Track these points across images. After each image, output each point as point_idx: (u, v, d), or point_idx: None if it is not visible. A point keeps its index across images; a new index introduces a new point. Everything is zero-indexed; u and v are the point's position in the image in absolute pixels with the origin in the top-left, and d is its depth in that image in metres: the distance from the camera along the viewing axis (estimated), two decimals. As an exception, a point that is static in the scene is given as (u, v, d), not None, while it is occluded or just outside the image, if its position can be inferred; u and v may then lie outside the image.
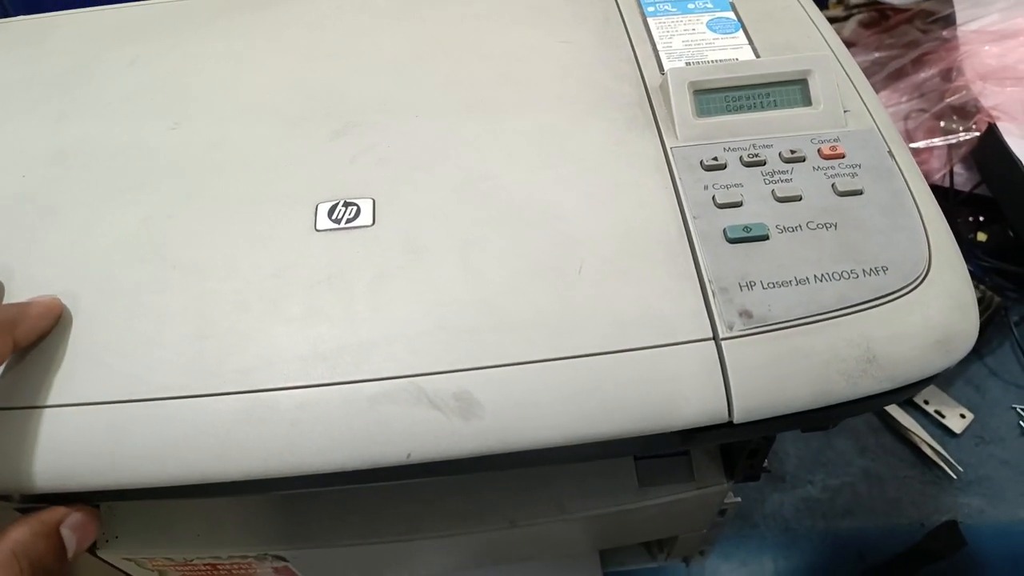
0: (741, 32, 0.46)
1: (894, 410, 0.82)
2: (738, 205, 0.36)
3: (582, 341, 0.32)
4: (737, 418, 0.31)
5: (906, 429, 0.81)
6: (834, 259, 0.34)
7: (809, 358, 0.31)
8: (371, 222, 0.36)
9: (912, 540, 0.73)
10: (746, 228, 0.35)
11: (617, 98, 0.41)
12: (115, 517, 0.49)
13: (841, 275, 0.33)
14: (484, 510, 0.48)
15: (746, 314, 0.32)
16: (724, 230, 0.35)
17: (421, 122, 0.40)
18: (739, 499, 0.54)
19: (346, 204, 0.37)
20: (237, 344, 0.32)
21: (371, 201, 0.37)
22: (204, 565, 0.50)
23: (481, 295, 0.33)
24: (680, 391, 0.31)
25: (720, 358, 0.31)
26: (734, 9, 0.48)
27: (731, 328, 0.32)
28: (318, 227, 0.36)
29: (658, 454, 0.49)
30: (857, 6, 1.16)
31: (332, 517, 0.49)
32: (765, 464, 0.50)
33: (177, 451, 0.30)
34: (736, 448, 0.47)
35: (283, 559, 0.50)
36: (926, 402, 0.83)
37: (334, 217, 0.36)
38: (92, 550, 0.48)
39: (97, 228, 0.36)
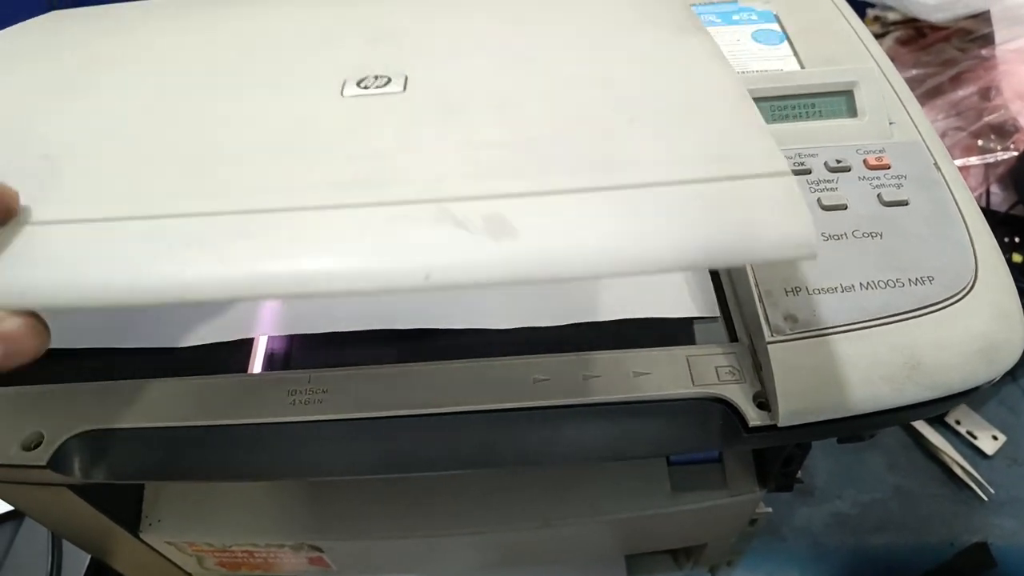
0: (786, 44, 0.47)
1: (925, 429, 0.82)
2: (784, 212, 0.36)
3: (637, 173, 0.27)
4: (782, 421, 0.31)
5: (937, 448, 0.80)
6: (880, 268, 0.34)
7: (854, 363, 0.32)
8: (402, 89, 0.33)
9: (942, 559, 0.72)
10: (792, 234, 0.35)
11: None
12: (159, 501, 0.50)
13: (887, 283, 0.34)
14: (519, 508, 0.49)
15: (791, 318, 0.33)
16: (770, 236, 0.35)
17: (459, 8, 0.38)
18: (770, 509, 0.54)
19: (376, 77, 0.33)
20: (246, 176, 0.29)
21: (403, 76, 0.33)
22: (242, 552, 0.51)
23: (521, 138, 0.30)
24: (758, 219, 0.25)
25: (766, 360, 0.32)
26: (779, 21, 0.49)
27: (777, 332, 0.32)
28: (345, 94, 0.33)
29: (693, 459, 0.50)
30: (894, 23, 1.16)
31: (369, 511, 0.49)
32: (798, 475, 0.51)
33: (172, 259, 0.25)
34: (771, 457, 0.47)
35: (319, 549, 0.51)
36: (958, 422, 0.82)
37: (362, 85, 0.33)
38: (135, 532, 0.50)
39: (126, 101, 0.34)
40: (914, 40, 1.13)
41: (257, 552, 0.52)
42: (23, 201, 0.27)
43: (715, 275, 0.38)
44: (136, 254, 0.26)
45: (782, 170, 0.26)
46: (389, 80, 0.33)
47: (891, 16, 1.16)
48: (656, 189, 0.26)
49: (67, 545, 0.72)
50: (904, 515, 0.76)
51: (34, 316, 0.25)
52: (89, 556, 0.71)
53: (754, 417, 0.32)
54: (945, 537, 0.74)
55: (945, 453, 0.80)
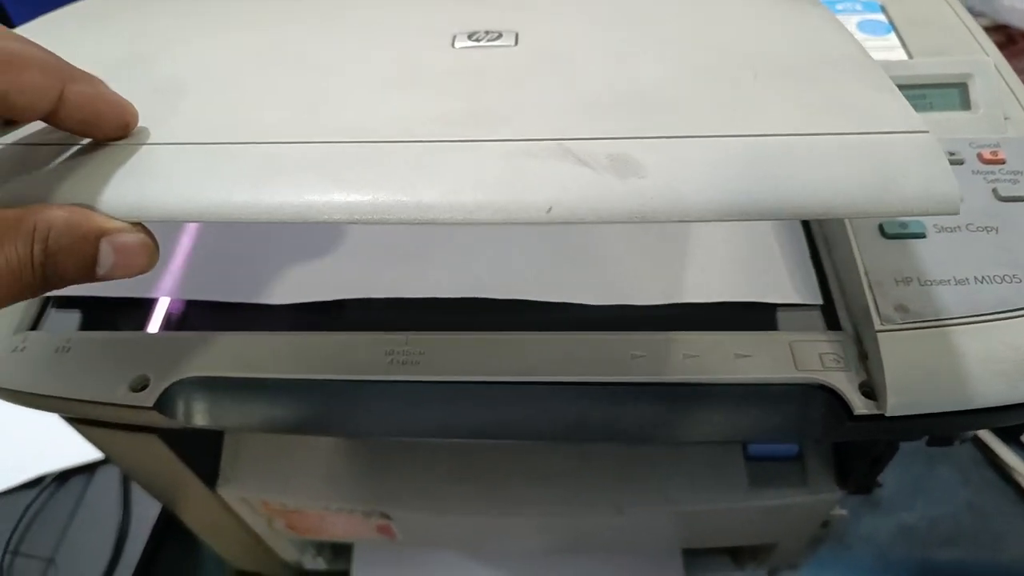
0: (893, 34, 0.45)
1: (998, 447, 0.79)
2: (895, 202, 0.35)
3: (769, 123, 0.26)
4: (890, 411, 0.30)
5: (1010, 467, 0.78)
6: (995, 262, 0.33)
7: (967, 357, 0.31)
8: (514, 43, 0.32)
9: (1013, 578, 0.70)
10: (903, 224, 0.34)
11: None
12: (236, 460, 0.51)
13: (1003, 279, 0.33)
14: (592, 494, 0.49)
15: (902, 308, 0.32)
16: (880, 225, 0.35)
17: None
18: (845, 512, 0.53)
19: (488, 31, 0.33)
20: (354, 109, 0.29)
21: (515, 33, 0.33)
22: (313, 514, 0.52)
23: (642, 88, 0.29)
24: (900, 172, 0.24)
25: (874, 349, 0.31)
26: (884, 12, 0.47)
27: (887, 320, 0.32)
28: (456, 46, 0.33)
29: (771, 455, 0.49)
30: (984, 29, 1.13)
31: (443, 484, 0.50)
32: (879, 478, 0.50)
33: (278, 180, 0.26)
34: (855, 457, 0.46)
35: (388, 517, 0.51)
36: (1033, 441, 0.80)
37: (473, 38, 0.33)
38: (211, 486, 0.51)
39: (239, 47, 0.34)
40: (1004, 46, 1.10)
41: (327, 516, 0.53)
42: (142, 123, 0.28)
43: (817, 263, 0.37)
44: (256, 173, 0.26)
45: (920, 128, 0.25)
46: (500, 35, 0.33)
47: (982, 22, 1.12)
48: (790, 139, 0.25)
49: (136, 499, 0.74)
50: (975, 531, 0.73)
51: (148, 234, 0.26)
52: (158, 511, 0.73)
53: (860, 406, 0.31)
54: (1017, 556, 0.71)
55: (1018, 472, 0.77)
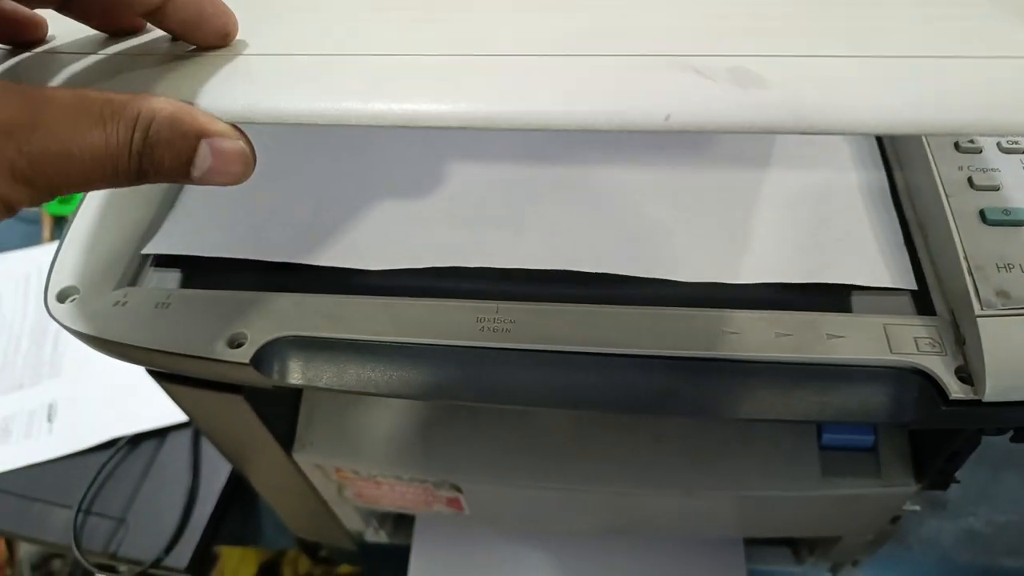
0: None
1: (1072, 455, 0.77)
2: (996, 189, 0.35)
3: (901, 44, 0.26)
4: (988, 396, 0.30)
5: (1083, 476, 0.76)
6: (1100, 252, 0.33)
7: (1070, 345, 0.30)
8: None
9: (1081, 591, 0.68)
10: (1006, 211, 0.34)
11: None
12: (312, 426, 0.52)
13: (1108, 268, 0.32)
14: (663, 475, 0.49)
15: (1003, 294, 0.32)
16: (982, 211, 0.34)
17: None
18: (918, 507, 0.52)
19: None
20: (475, 27, 0.29)
21: None
22: (384, 483, 0.53)
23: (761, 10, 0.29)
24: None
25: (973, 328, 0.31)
26: None
27: (987, 306, 0.31)
28: None
29: (846, 445, 0.48)
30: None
31: (516, 458, 0.50)
32: (956, 474, 0.49)
33: (386, 86, 0.26)
34: (935, 450, 0.45)
35: (458, 490, 0.52)
36: (1108, 452, 0.77)
37: None
38: (287, 451, 0.52)
39: None
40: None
41: (398, 486, 0.54)
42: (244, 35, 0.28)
43: (910, 248, 0.37)
44: (369, 77, 0.26)
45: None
46: None
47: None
48: (918, 60, 0.25)
49: (205, 464, 0.76)
50: (1042, 541, 0.72)
51: (248, 143, 0.26)
52: (225, 477, 0.75)
53: (956, 390, 0.31)
54: (1087, 568, 0.70)
55: (1091, 483, 0.75)
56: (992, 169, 0.36)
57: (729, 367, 0.33)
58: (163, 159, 0.24)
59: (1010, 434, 0.42)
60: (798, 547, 0.68)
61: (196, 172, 0.24)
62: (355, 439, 0.52)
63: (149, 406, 0.77)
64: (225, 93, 0.26)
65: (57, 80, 0.27)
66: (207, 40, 0.27)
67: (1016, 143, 0.37)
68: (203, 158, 0.24)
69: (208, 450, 0.77)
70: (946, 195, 0.35)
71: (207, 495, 0.75)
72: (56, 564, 0.82)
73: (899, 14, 0.28)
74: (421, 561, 0.70)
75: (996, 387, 0.30)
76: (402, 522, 0.73)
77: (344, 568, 1.18)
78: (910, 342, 0.33)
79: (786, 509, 0.51)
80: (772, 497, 0.49)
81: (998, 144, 0.37)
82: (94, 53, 0.28)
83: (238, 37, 0.28)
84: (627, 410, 0.33)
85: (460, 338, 0.34)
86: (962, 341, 0.32)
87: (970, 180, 0.35)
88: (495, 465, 0.50)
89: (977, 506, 0.74)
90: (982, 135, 0.28)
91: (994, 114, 0.24)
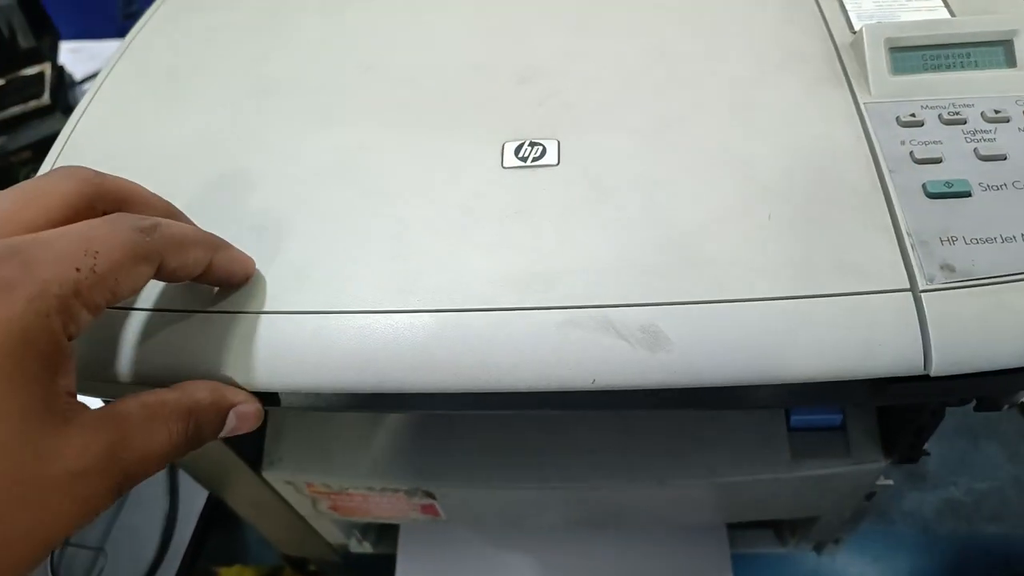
0: (935, -6, 0.45)
1: (1047, 418, 0.78)
2: (938, 161, 0.35)
3: (773, 284, 0.32)
4: (935, 371, 0.30)
5: (1060, 439, 0.76)
6: (1043, 219, 0.32)
7: (1015, 314, 0.30)
8: (556, 162, 0.37)
9: (1063, 553, 0.69)
10: (948, 183, 0.34)
11: (805, 53, 0.41)
12: (281, 442, 0.52)
13: (1051, 235, 0.32)
14: (634, 466, 0.49)
15: (948, 268, 0.31)
16: (924, 185, 0.34)
17: (605, 70, 0.41)
18: (891, 482, 0.52)
19: (532, 144, 0.38)
20: (431, 266, 0.33)
21: (556, 142, 0.37)
22: (357, 495, 0.53)
23: (668, 235, 0.33)
24: (875, 339, 0.30)
25: (919, 309, 0.31)
26: (925, -27, 0.47)
27: (931, 281, 0.31)
28: (505, 164, 0.37)
29: (814, 425, 0.48)
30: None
31: (483, 461, 0.50)
32: (925, 447, 0.49)
33: (376, 361, 0.32)
34: (900, 425, 0.45)
35: (432, 496, 0.52)
36: (1084, 413, 0.78)
37: (520, 155, 0.37)
38: (256, 470, 0.52)
39: (300, 157, 0.39)
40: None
41: (372, 497, 0.53)
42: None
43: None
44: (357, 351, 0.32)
45: (903, 287, 0.31)
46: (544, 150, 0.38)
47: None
48: (787, 304, 0.31)
49: (183, 486, 0.76)
50: (1022, 506, 0.72)
51: (259, 402, 0.32)
52: (204, 497, 0.74)
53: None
54: (1068, 531, 0.70)
55: (1069, 445, 0.76)
56: (934, 142, 0.36)
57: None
58: (206, 434, 0.30)
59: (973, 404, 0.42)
60: (781, 529, 0.68)
61: (223, 432, 0.31)
62: (324, 453, 0.51)
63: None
64: (252, 368, 0.32)
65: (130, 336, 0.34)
66: (233, 286, 0.34)
67: (957, 113, 0.37)
68: (231, 422, 0.31)
69: (185, 474, 0.76)
70: (889, 171, 0.35)
71: (187, 518, 0.74)
72: (38, 598, 0.81)
73: (780, 229, 0.34)
74: (407, 569, 0.70)
75: (943, 361, 0.30)
76: (386, 531, 0.72)
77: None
78: (859, 320, 0.33)
79: (760, 493, 0.51)
80: (745, 482, 0.49)
81: (939, 116, 0.37)
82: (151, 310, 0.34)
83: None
84: (594, 408, 0.33)
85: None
86: (910, 317, 0.32)
87: (912, 154, 0.35)
88: (467, 469, 0.50)
89: (957, 476, 0.74)
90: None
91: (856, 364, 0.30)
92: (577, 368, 0.31)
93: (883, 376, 0.31)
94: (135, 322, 0.34)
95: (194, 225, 0.33)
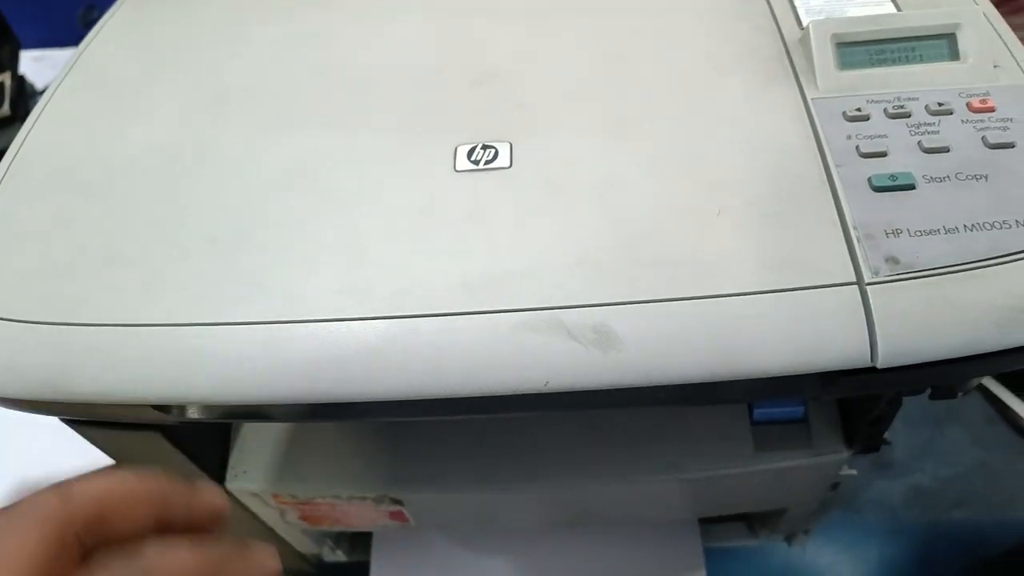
0: (881, -12, 0.45)
1: (1012, 401, 0.79)
2: (883, 155, 0.35)
3: (722, 281, 0.32)
4: (881, 362, 0.30)
5: (1023, 421, 0.77)
6: (985, 210, 0.33)
7: (958, 305, 0.31)
8: (508, 164, 0.37)
9: (1029, 535, 0.70)
10: (892, 177, 0.34)
11: (755, 50, 0.41)
12: (244, 454, 0.51)
13: (993, 225, 0.32)
14: (600, 465, 0.49)
15: (892, 260, 0.32)
16: (869, 178, 0.34)
17: (557, 71, 0.41)
18: (854, 472, 0.53)
19: (484, 147, 0.37)
20: (383, 274, 0.33)
21: (508, 144, 0.37)
22: (324, 504, 0.52)
23: (620, 234, 0.34)
24: (823, 333, 0.31)
25: (865, 302, 0.31)
26: (872, -32, 0.47)
27: (877, 273, 0.32)
28: (457, 168, 0.37)
29: (776, 419, 0.49)
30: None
31: (449, 465, 0.50)
32: (885, 436, 0.49)
33: (328, 370, 0.31)
34: (859, 414, 0.46)
35: (399, 503, 0.51)
36: (1046, 397, 0.79)
37: (473, 158, 0.37)
38: (221, 483, 0.51)
39: (253, 165, 0.38)
40: (1000, 4, 1.09)
41: (339, 505, 0.53)
42: None
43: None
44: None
45: (849, 280, 0.32)
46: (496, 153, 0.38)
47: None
48: (737, 300, 0.31)
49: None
50: (988, 490, 0.73)
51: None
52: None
53: (853, 360, 0.31)
54: (1030, 513, 0.71)
55: (1032, 428, 0.77)
56: (879, 135, 0.36)
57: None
58: None
59: (929, 392, 0.43)
60: (752, 522, 0.68)
61: None
62: (288, 463, 0.51)
63: (82, 449, 0.75)
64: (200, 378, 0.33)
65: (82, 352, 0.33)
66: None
67: (902, 107, 0.37)
68: None
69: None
70: (835, 165, 0.35)
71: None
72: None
73: (730, 225, 0.34)
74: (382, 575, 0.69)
75: (889, 353, 0.30)
76: (359, 539, 0.72)
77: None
78: (808, 314, 0.33)
79: (726, 487, 0.51)
80: (710, 476, 0.49)
81: (884, 110, 0.37)
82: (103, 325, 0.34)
83: None
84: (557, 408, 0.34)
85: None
86: (857, 309, 0.32)
87: (858, 148, 0.36)
88: (432, 474, 0.50)
89: (923, 463, 0.75)
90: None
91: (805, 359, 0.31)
92: (530, 371, 0.31)
93: (832, 369, 0.31)
94: (88, 338, 0.33)
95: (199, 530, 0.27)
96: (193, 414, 0.35)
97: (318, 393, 0.32)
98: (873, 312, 0.31)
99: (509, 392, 0.31)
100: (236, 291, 0.34)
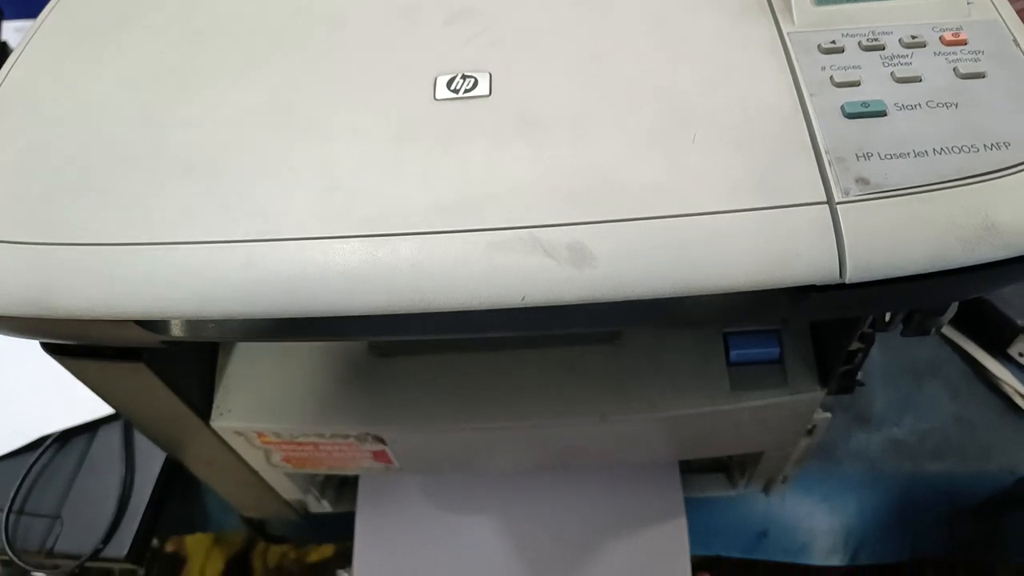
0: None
1: (987, 360, 0.80)
2: (856, 84, 0.36)
3: (694, 201, 0.33)
4: (850, 277, 0.31)
5: (999, 379, 0.79)
6: (954, 134, 0.34)
7: (926, 223, 0.31)
8: (488, 93, 0.37)
9: (1002, 486, 0.71)
10: (864, 104, 0.35)
11: (732, -15, 0.41)
12: (229, 393, 0.52)
13: (961, 149, 0.33)
14: (576, 403, 0.50)
15: (863, 181, 0.33)
16: (842, 106, 0.35)
17: (532, 8, 0.41)
18: (829, 415, 0.54)
19: (464, 76, 0.38)
20: (362, 196, 0.34)
21: (488, 74, 0.38)
22: (308, 444, 0.53)
23: (595, 159, 0.34)
24: (793, 249, 0.31)
25: (835, 220, 0.32)
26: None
27: (847, 193, 0.32)
28: (437, 96, 0.37)
29: (753, 359, 0.50)
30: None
31: (431, 403, 0.51)
32: (859, 376, 0.50)
33: (307, 285, 0.32)
34: (832, 353, 0.47)
35: (382, 442, 0.52)
36: (1021, 355, 0.80)
37: (452, 87, 0.38)
38: (205, 421, 0.52)
39: (229, 99, 0.39)
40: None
41: (322, 444, 0.54)
42: None
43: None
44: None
45: (820, 199, 0.32)
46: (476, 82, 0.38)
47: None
48: (709, 219, 0.32)
49: (140, 452, 0.75)
50: (964, 443, 0.74)
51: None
52: (161, 461, 0.74)
53: (822, 276, 0.32)
54: (1005, 465, 0.72)
55: (1007, 384, 0.78)
56: (853, 66, 0.37)
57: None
58: None
59: (900, 328, 0.44)
60: (731, 471, 0.70)
61: None
62: (272, 401, 0.52)
63: (75, 402, 0.76)
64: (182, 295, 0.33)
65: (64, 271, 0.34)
66: None
67: (876, 40, 0.38)
68: None
69: (142, 440, 0.75)
70: (809, 94, 0.36)
71: (143, 484, 0.74)
72: (-7, 569, 0.81)
73: (704, 150, 0.34)
74: (367, 526, 0.70)
75: (857, 268, 0.31)
76: (345, 489, 0.73)
77: (315, 553, 1.17)
78: (779, 236, 0.34)
79: (703, 426, 0.52)
80: (687, 415, 0.50)
81: (859, 43, 0.38)
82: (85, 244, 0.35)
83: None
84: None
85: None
86: (828, 230, 0.33)
87: (832, 79, 0.36)
88: (413, 411, 0.50)
89: (901, 416, 0.77)
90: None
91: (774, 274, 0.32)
92: (507, 287, 0.32)
93: (802, 284, 0.32)
94: (71, 256, 0.34)
95: None
96: (176, 331, 0.35)
97: (296, 308, 0.32)
98: (843, 230, 0.31)
99: (486, 307, 0.32)
100: (214, 212, 0.34)
